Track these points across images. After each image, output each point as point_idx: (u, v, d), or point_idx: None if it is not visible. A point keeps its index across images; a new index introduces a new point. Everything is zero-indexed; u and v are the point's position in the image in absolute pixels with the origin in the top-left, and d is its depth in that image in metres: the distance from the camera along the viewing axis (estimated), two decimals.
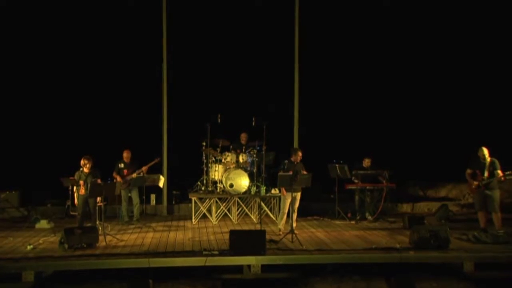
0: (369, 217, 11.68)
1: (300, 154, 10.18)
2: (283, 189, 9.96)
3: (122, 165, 11.32)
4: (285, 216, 10.21)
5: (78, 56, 14.18)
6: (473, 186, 9.88)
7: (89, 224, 9.88)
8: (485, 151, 9.74)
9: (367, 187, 11.77)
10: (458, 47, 15.01)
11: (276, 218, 10.89)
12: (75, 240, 8.68)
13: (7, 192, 12.82)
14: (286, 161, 10.27)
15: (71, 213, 11.96)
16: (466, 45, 14.96)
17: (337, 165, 11.52)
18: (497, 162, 9.67)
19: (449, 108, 15.02)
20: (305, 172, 9.88)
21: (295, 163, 10.12)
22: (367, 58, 14.99)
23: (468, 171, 9.93)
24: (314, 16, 14.09)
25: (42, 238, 9.78)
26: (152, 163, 11.33)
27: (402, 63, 14.99)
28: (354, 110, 14.94)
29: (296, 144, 13.24)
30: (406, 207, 13.48)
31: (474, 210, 12.23)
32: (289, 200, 9.93)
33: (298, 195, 10.07)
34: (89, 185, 9.80)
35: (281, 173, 9.75)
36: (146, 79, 13.59)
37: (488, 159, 9.70)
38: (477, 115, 14.82)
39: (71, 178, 10.38)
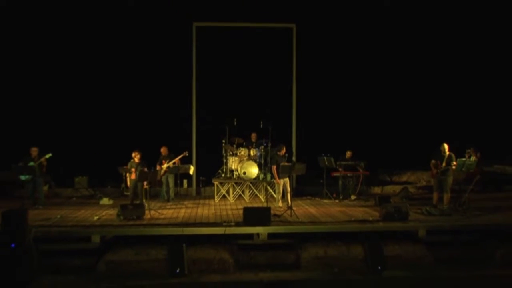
0: (353, 197, 11.73)
1: (285, 148, 10.46)
2: (276, 178, 10.27)
3: (161, 158, 11.41)
4: (280, 196, 10.63)
5: (129, 75, 14.07)
6: (434, 172, 10.03)
7: (137, 202, 10.08)
8: (446, 146, 9.85)
9: (348, 174, 11.83)
10: (427, 48, 14.49)
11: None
12: (128, 213, 8.96)
13: (80, 177, 13.22)
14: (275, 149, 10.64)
15: (125, 193, 12.08)
16: (437, 47, 14.52)
17: (325, 157, 11.61)
18: (453, 156, 9.79)
19: (410, 110, 14.83)
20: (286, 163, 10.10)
21: (281, 155, 10.36)
22: (358, 63, 14.57)
23: (433, 161, 9.99)
24: (314, 18, 13.78)
25: (105, 211, 10.04)
26: (182, 155, 11.34)
27: (379, 68, 14.62)
28: (340, 114, 14.75)
29: (294, 141, 13.27)
30: (377, 189, 13.53)
31: (427, 191, 12.09)
32: (281, 184, 10.37)
33: (287, 180, 10.34)
34: (138, 172, 9.99)
35: (282, 164, 9.91)
36: (181, 92, 13.53)
37: (447, 153, 9.79)
38: (435, 115, 14.66)
39: (125, 167, 10.60)
